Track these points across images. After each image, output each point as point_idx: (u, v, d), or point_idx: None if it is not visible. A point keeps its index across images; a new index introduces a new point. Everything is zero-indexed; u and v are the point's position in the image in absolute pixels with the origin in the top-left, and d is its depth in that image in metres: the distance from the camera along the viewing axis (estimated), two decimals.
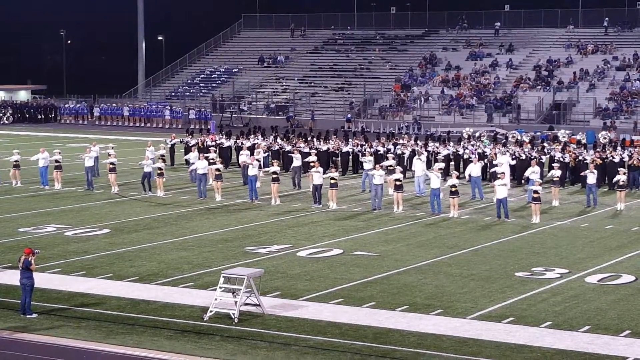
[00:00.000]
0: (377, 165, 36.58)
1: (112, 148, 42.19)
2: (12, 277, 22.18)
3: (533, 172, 35.57)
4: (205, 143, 47.18)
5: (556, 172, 36.14)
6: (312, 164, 37.46)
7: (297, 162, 40.19)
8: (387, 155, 41.20)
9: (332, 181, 34.89)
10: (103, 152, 43.67)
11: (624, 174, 35.91)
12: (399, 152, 43.96)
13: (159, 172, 38.02)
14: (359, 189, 39.67)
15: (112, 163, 39.04)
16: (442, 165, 38.34)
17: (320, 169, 36.21)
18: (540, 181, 34.33)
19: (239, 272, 20.71)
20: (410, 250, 27.62)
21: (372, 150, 43.96)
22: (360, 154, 43.99)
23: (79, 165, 42.86)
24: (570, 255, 27.09)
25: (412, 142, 45.85)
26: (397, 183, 34.32)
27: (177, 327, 19.73)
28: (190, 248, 27.78)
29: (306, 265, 25.53)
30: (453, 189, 33.18)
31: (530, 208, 32.98)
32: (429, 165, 40.13)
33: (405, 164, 43.14)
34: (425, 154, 42.07)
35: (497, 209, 32.92)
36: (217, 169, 37.09)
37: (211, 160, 39.12)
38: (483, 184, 38.26)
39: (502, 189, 32.65)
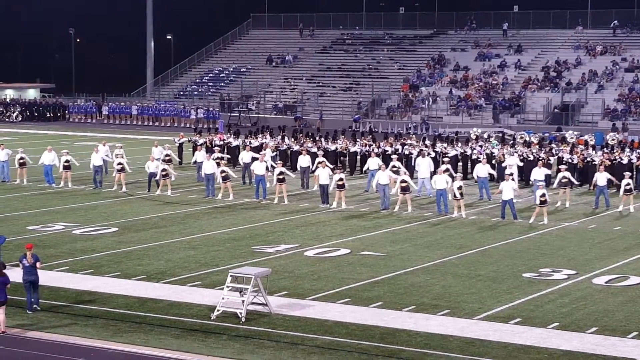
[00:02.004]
0: (382, 166, 36.59)
1: (120, 147, 42.23)
2: (21, 275, 22.17)
3: (540, 174, 35.70)
4: (213, 142, 47.25)
5: (565, 174, 36.07)
6: (318, 165, 37.44)
7: (304, 162, 40.15)
8: (392, 156, 41.11)
9: (340, 182, 34.85)
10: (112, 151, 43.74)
11: (630, 177, 35.76)
12: (406, 152, 43.93)
13: (163, 173, 38.04)
14: (365, 189, 39.49)
15: (120, 163, 39.10)
16: (448, 166, 38.31)
17: (327, 169, 36.21)
18: (543, 184, 34.15)
19: (246, 271, 20.75)
20: (418, 251, 27.63)
21: (379, 150, 43.95)
22: (367, 154, 43.97)
23: (88, 164, 42.88)
24: (578, 256, 27.07)
25: (421, 142, 45.84)
26: (403, 185, 34.25)
27: (185, 325, 19.77)
28: (198, 247, 27.83)
29: (313, 265, 25.56)
30: (458, 191, 33.17)
31: (535, 210, 32.82)
32: (437, 166, 40.01)
33: (412, 164, 43.08)
34: (433, 154, 42.10)
35: (502, 210, 32.85)
36: (223, 171, 37.01)
37: (217, 161, 39.09)
38: (491, 185, 38.15)
39: (508, 190, 32.56)
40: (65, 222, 31.77)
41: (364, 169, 41.22)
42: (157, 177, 38.23)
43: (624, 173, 35.87)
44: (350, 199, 36.80)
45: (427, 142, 46.02)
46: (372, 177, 38.84)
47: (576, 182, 38.61)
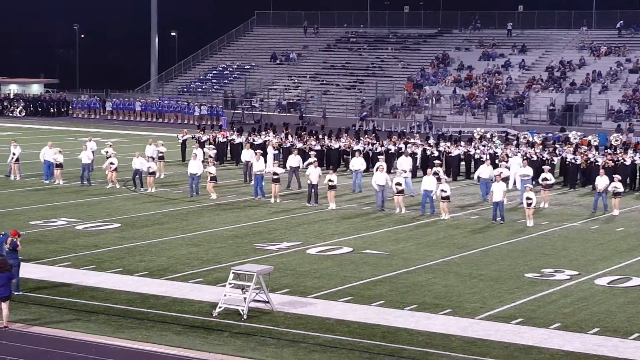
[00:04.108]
0: (380, 166, 36.32)
1: (110, 146, 41.92)
2: (23, 270, 22.21)
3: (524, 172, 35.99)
4: (216, 139, 47.28)
5: (547, 175, 35.96)
6: (311, 163, 37.35)
7: (294, 162, 39.71)
8: (378, 156, 40.70)
9: (331, 183, 34.60)
10: (99, 148, 43.57)
11: (619, 180, 35.27)
12: (409, 151, 43.84)
13: (150, 170, 37.89)
14: (366, 187, 39.25)
15: (111, 162, 38.75)
16: (438, 169, 38.25)
17: (319, 169, 35.98)
18: (531, 186, 33.91)
19: (248, 268, 20.78)
20: (420, 250, 27.63)
21: (383, 149, 43.94)
22: (370, 153, 43.94)
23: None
24: (580, 257, 27.06)
25: (425, 141, 45.84)
26: (399, 187, 34.01)
27: (186, 322, 19.79)
28: (200, 244, 27.85)
29: (315, 263, 25.57)
30: (444, 194, 32.79)
31: (524, 211, 32.73)
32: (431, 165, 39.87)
33: (416, 164, 42.99)
34: (437, 153, 42.08)
35: (494, 212, 32.54)
36: (210, 171, 36.61)
37: (210, 156, 38.93)
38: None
39: (499, 191, 32.26)
40: (68, 217, 31.79)
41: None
42: (146, 172, 37.93)
43: (614, 176, 35.41)
44: (352, 198, 36.77)
45: (431, 141, 45.98)
46: (357, 177, 38.55)
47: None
